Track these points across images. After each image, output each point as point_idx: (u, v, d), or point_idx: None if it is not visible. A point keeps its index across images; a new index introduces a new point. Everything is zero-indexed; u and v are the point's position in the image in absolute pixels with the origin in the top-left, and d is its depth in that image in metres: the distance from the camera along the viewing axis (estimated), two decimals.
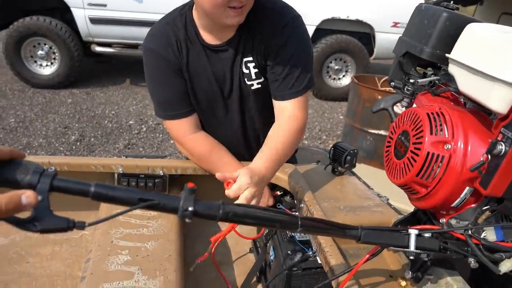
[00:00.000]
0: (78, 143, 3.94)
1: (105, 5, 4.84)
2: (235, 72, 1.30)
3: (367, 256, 0.85)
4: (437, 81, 0.98)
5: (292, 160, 1.51)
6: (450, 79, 0.92)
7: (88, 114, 4.59)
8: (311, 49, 1.36)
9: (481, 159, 0.72)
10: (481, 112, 0.85)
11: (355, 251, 1.12)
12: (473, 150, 0.77)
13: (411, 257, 0.82)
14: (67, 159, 1.34)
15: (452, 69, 0.88)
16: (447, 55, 0.90)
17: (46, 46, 5.01)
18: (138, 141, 4.13)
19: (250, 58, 1.28)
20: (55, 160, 1.31)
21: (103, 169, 1.29)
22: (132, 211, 0.56)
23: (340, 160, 1.36)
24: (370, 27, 5.37)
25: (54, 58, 5.09)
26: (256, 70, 1.30)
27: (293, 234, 1.20)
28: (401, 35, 1.08)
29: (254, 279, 1.26)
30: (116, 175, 1.30)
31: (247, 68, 1.29)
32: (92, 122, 4.40)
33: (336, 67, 5.50)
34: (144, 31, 4.69)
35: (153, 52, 1.29)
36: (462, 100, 0.91)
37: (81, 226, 0.53)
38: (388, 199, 1.29)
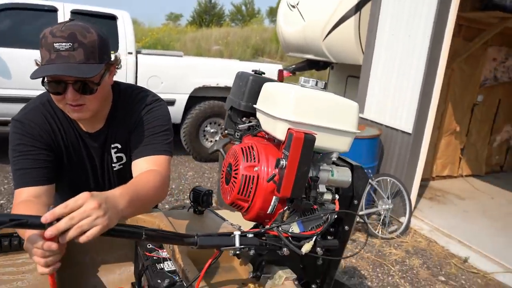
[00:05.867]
0: None
1: None
2: (104, 157, 1.50)
3: (210, 260, 1.08)
4: (255, 126, 1.31)
5: None
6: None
7: None
8: (170, 126, 1.48)
9: (273, 172, 1.04)
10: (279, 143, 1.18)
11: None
12: (271, 169, 1.08)
13: (238, 252, 1.06)
14: None
15: (258, 115, 1.23)
16: (254, 106, 1.24)
17: None
18: None
19: (115, 144, 1.48)
20: None
21: None
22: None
23: (198, 201, 1.60)
24: None
25: None
26: (118, 154, 1.50)
27: (162, 267, 1.38)
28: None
29: None
30: None
31: (110, 153, 1.49)
32: None
33: (212, 130, 5.92)
34: (12, 107, 4.60)
35: (23, 125, 1.34)
36: (268, 136, 1.24)
37: None
38: (240, 226, 1.56)
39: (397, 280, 3.47)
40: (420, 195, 5.07)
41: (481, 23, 5.23)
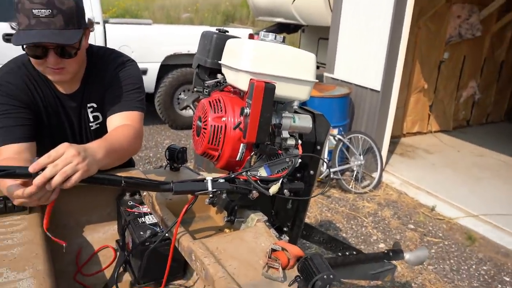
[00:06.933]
0: None
1: None
2: (81, 117, 1.55)
3: (186, 205, 1.16)
4: (221, 81, 1.38)
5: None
6: None
7: None
8: (142, 84, 1.57)
9: (239, 121, 1.12)
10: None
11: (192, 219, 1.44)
12: (237, 118, 1.16)
13: (212, 199, 1.15)
14: None
15: (223, 70, 1.30)
16: (219, 61, 1.31)
17: None
18: None
19: (91, 104, 1.54)
20: None
21: None
22: None
23: (174, 158, 1.68)
24: None
25: None
26: (94, 113, 1.55)
27: (143, 220, 1.46)
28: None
29: (121, 269, 1.46)
30: None
31: (87, 112, 1.55)
32: None
33: (186, 98, 5.92)
34: None
35: (1, 86, 1.37)
36: (234, 90, 1.32)
37: None
38: (212, 178, 1.65)
39: (370, 230, 3.69)
40: (391, 151, 5.28)
41: None
